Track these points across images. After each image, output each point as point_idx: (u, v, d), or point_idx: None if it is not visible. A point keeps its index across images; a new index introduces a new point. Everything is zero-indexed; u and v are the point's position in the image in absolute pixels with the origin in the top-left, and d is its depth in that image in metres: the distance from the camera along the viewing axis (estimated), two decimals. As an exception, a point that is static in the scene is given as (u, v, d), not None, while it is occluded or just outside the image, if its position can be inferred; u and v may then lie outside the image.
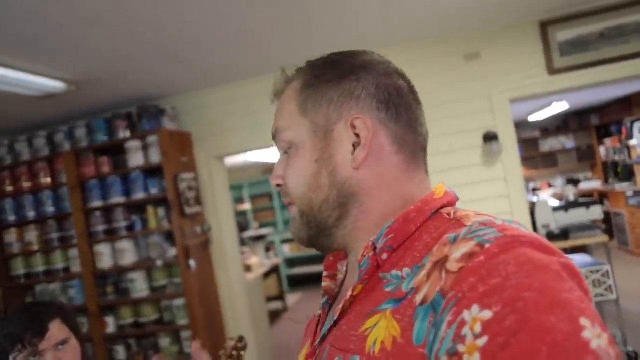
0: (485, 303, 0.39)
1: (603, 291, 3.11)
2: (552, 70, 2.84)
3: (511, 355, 0.36)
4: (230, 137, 3.33)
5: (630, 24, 2.72)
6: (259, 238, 6.25)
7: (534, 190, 7.05)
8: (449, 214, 0.55)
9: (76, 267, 3.20)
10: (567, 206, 3.64)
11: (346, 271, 0.68)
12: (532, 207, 3.51)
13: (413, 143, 0.61)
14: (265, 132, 3.23)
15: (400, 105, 0.60)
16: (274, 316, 5.81)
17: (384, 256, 0.55)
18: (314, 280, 7.44)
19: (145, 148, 3.09)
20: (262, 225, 7.74)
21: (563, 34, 2.81)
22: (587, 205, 3.58)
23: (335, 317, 0.58)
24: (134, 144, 3.08)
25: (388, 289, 0.52)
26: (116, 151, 3.18)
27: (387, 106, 0.59)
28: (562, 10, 2.81)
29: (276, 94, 0.67)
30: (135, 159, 3.09)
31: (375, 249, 0.55)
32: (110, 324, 3.14)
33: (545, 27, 2.84)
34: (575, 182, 7.29)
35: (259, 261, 5.43)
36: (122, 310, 3.16)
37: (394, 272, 0.53)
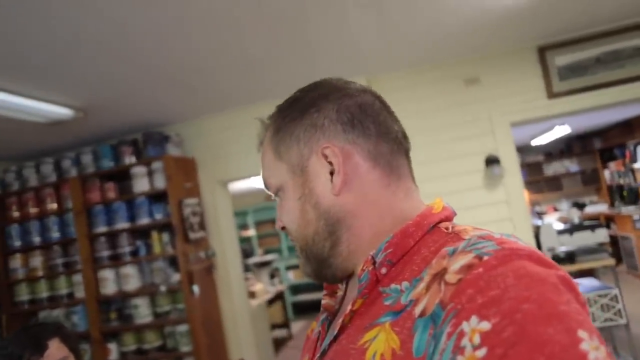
0: (484, 314, 0.40)
1: (612, 315, 3.06)
2: (552, 94, 2.88)
3: None
4: (233, 163, 3.37)
5: (625, 49, 2.78)
6: (264, 264, 6.22)
7: (539, 214, 7.01)
8: (447, 228, 0.56)
9: (80, 293, 3.19)
10: (572, 229, 3.62)
11: (346, 288, 0.69)
12: (537, 231, 3.50)
13: (388, 152, 0.62)
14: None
15: (365, 120, 0.61)
16: (279, 344, 5.72)
17: (383, 270, 0.55)
18: (319, 307, 7.32)
19: (150, 174, 3.13)
20: (266, 252, 7.70)
21: (561, 59, 2.87)
22: (592, 228, 3.56)
23: (335, 332, 0.58)
24: (139, 170, 3.13)
25: (387, 302, 0.52)
26: (122, 177, 3.22)
27: (351, 125, 0.60)
28: (559, 35, 2.87)
29: (260, 144, 0.70)
30: (141, 185, 3.12)
31: (374, 263, 0.56)
32: (113, 351, 3.12)
33: (543, 52, 2.90)
34: (580, 206, 7.25)
35: (264, 288, 5.38)
36: (125, 337, 3.13)
37: (393, 285, 0.53)
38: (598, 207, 7.00)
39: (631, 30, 2.78)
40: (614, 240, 6.11)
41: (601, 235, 3.54)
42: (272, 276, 6.32)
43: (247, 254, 6.28)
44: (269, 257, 6.79)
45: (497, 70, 2.99)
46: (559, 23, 2.68)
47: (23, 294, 3.30)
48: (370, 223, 0.60)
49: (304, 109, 0.63)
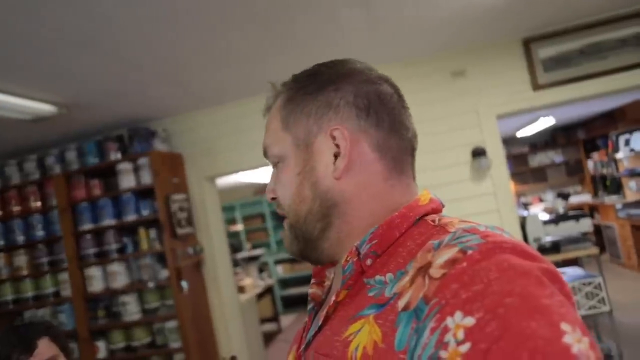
0: (468, 309, 0.40)
1: (596, 303, 3.12)
2: (537, 86, 2.91)
3: None
4: (221, 158, 3.35)
5: (607, 41, 2.82)
6: (252, 259, 6.21)
7: (525, 205, 7.10)
8: (433, 221, 0.55)
9: (66, 291, 3.15)
10: (557, 219, 3.68)
11: (333, 277, 0.69)
12: (523, 221, 3.54)
13: (396, 148, 0.61)
14: (256, 153, 3.26)
15: (381, 111, 0.60)
16: (268, 338, 5.74)
17: (368, 262, 0.55)
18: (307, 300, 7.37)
19: (136, 170, 3.09)
20: (255, 246, 7.69)
21: (545, 51, 2.89)
22: (577, 218, 3.62)
23: (320, 323, 0.58)
24: (125, 166, 3.09)
25: (371, 294, 0.52)
26: (107, 173, 3.18)
27: (366, 113, 0.59)
28: (543, 28, 2.89)
29: (266, 110, 0.68)
30: (127, 181, 3.09)
31: (359, 254, 0.56)
32: (102, 349, 3.09)
33: (528, 44, 2.92)
34: (565, 196, 7.36)
35: (253, 282, 5.38)
36: (113, 335, 3.11)
37: (377, 277, 0.53)
38: (582, 197, 7.12)
39: (613, 22, 2.82)
40: (597, 230, 6.23)
41: (585, 224, 3.60)
42: (261, 270, 6.32)
43: (235, 248, 6.26)
44: (257, 251, 6.78)
45: (483, 63, 3.01)
46: (543, 15, 2.70)
47: (7, 293, 3.24)
48: (364, 213, 0.59)
49: (321, 85, 0.61)
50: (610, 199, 6.05)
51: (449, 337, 0.39)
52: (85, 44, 1.96)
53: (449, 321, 0.40)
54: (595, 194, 7.17)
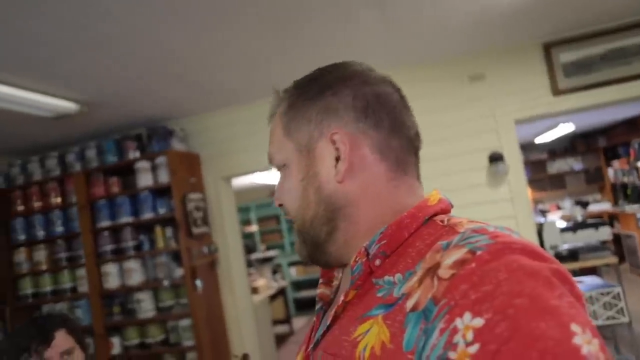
0: (477, 310, 0.39)
1: (615, 314, 3.05)
2: (557, 91, 2.87)
3: None
4: (237, 158, 3.38)
5: (631, 46, 2.76)
6: (266, 260, 6.24)
7: (543, 212, 7.00)
8: (442, 221, 0.55)
9: (83, 287, 3.21)
10: (575, 227, 3.61)
11: (341, 277, 0.69)
12: (540, 228, 3.49)
13: (398, 148, 0.61)
14: (272, 153, 3.28)
15: (380, 111, 0.60)
16: (280, 340, 5.74)
17: (377, 262, 0.55)
18: (320, 303, 7.35)
19: (154, 169, 3.14)
20: (269, 248, 7.72)
21: (566, 56, 2.85)
22: (596, 226, 3.55)
23: (328, 323, 0.58)
24: (143, 165, 3.13)
25: (380, 294, 0.52)
26: (125, 172, 3.23)
27: (365, 114, 0.59)
28: (564, 32, 2.85)
29: (270, 117, 0.69)
30: (144, 180, 3.13)
31: (368, 254, 0.56)
32: (116, 345, 3.13)
33: (548, 48, 2.88)
34: (584, 204, 7.23)
35: (266, 283, 5.40)
36: (128, 331, 3.15)
37: (386, 277, 0.53)
38: (601, 206, 6.98)
39: (637, 27, 2.76)
40: (617, 239, 6.10)
41: (604, 233, 3.53)
42: (275, 272, 6.33)
43: (249, 249, 6.29)
44: (271, 253, 6.80)
45: (502, 67, 2.98)
46: (564, 20, 2.66)
47: (27, 287, 3.31)
48: (369, 214, 0.60)
49: (320, 90, 0.62)
50: (631, 208, 5.92)
51: (458, 338, 0.39)
52: (102, 44, 2.00)
53: (458, 322, 0.40)
54: (615, 203, 7.03)
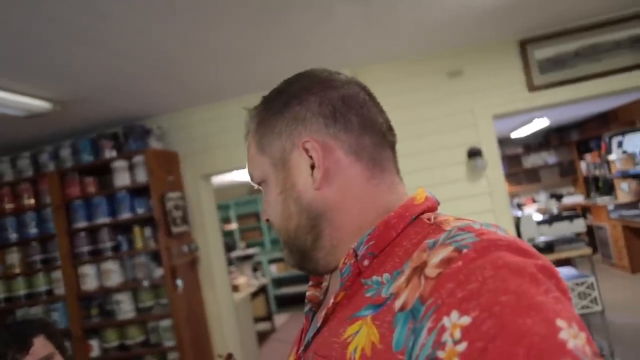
0: (464, 309, 0.40)
1: (588, 303, 3.15)
2: (532, 87, 2.92)
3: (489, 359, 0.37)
4: (216, 156, 3.34)
5: (602, 43, 2.84)
6: (246, 258, 6.20)
7: (519, 205, 7.15)
8: (429, 219, 0.56)
9: (60, 290, 3.13)
10: (551, 220, 3.70)
11: (330, 278, 0.69)
12: (517, 222, 3.56)
13: (371, 146, 0.61)
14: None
15: (347, 113, 0.60)
16: (262, 337, 5.73)
17: (366, 262, 0.55)
18: (302, 300, 7.32)
19: (131, 168, 3.08)
20: (249, 245, 7.68)
21: (541, 52, 2.91)
22: (570, 218, 3.64)
23: (318, 324, 0.58)
24: (120, 164, 3.07)
25: (368, 295, 0.52)
26: (102, 171, 3.16)
27: (333, 119, 0.60)
28: (539, 29, 2.91)
29: (245, 135, 0.69)
30: (122, 179, 3.07)
31: (356, 255, 0.56)
32: (95, 348, 3.07)
33: (524, 45, 2.94)
34: (558, 197, 7.41)
35: (247, 281, 5.37)
36: (107, 333, 3.09)
37: (374, 277, 0.53)
38: (575, 198, 7.17)
39: (608, 24, 2.84)
40: (589, 230, 6.28)
41: (579, 225, 3.62)
42: (255, 269, 6.31)
43: (229, 247, 6.24)
44: (251, 250, 6.77)
45: (480, 64, 3.02)
46: (539, 17, 2.72)
47: (-1, 291, 3.22)
48: (353, 216, 0.60)
49: (286, 102, 0.62)
50: (602, 200, 6.10)
51: (446, 336, 0.40)
52: (81, 38, 1.94)
53: (445, 321, 0.40)
54: (587, 195, 7.23)
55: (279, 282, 7.77)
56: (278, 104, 0.62)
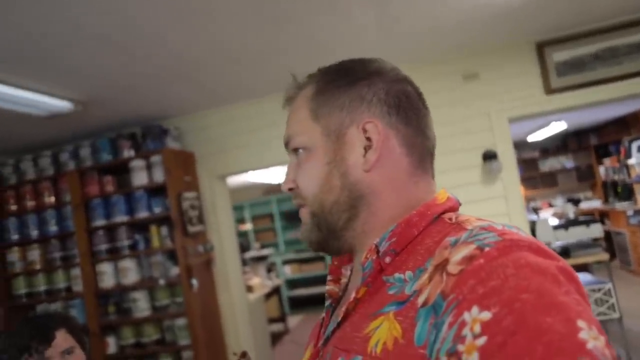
0: (485, 304, 0.40)
1: (605, 310, 3.10)
2: (549, 90, 2.90)
3: (508, 354, 0.37)
4: (232, 157, 3.38)
5: (622, 46, 2.80)
6: (261, 259, 6.24)
7: (535, 209, 7.06)
8: (450, 219, 0.56)
9: (78, 287, 3.19)
10: (568, 224, 3.66)
11: (350, 275, 0.70)
12: (533, 226, 3.53)
13: (421, 146, 0.63)
14: (267, 152, 3.28)
15: (409, 110, 0.62)
16: (275, 338, 5.75)
17: (387, 259, 0.56)
18: (315, 301, 7.39)
19: (149, 167, 3.13)
20: (263, 246, 7.72)
21: (559, 55, 2.88)
22: (587, 223, 3.59)
23: (339, 319, 0.59)
24: (137, 163, 3.12)
25: (391, 292, 0.53)
26: (120, 170, 3.22)
27: (397, 110, 0.61)
28: (557, 31, 2.88)
29: (287, 100, 0.69)
30: (139, 178, 3.12)
31: (378, 251, 0.57)
32: (111, 345, 3.12)
33: (541, 47, 2.91)
34: (575, 202, 7.30)
35: (261, 282, 5.40)
36: (123, 330, 3.14)
37: (396, 275, 0.54)
38: (592, 203, 7.06)
39: (628, 26, 2.80)
40: (607, 236, 6.17)
41: (596, 230, 3.57)
42: (269, 270, 6.34)
43: (244, 248, 6.29)
44: (265, 251, 6.80)
45: (496, 66, 3.00)
46: (557, 19, 2.69)
47: (21, 287, 3.29)
48: (389, 207, 0.61)
49: (354, 80, 0.62)
50: (621, 205, 6.00)
51: (466, 331, 0.40)
52: (103, 41, 1.99)
53: (465, 316, 0.41)
54: (606, 200, 7.11)
55: (292, 284, 7.79)
56: (344, 79, 0.63)
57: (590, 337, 0.37)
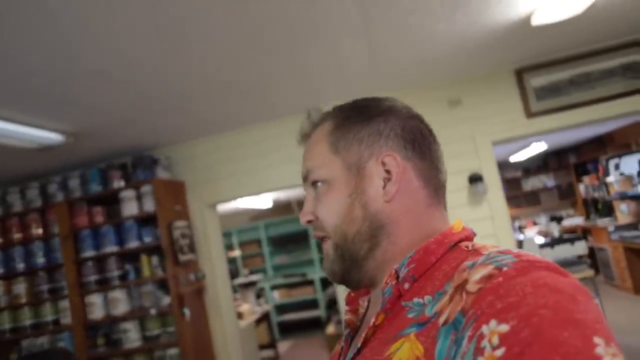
0: (503, 318, 0.42)
1: (594, 326, 3.16)
2: (530, 114, 3.01)
3: None
4: (222, 185, 3.40)
5: (594, 71, 2.94)
6: (249, 285, 6.19)
7: (520, 228, 7.18)
8: (467, 247, 0.58)
9: (66, 319, 3.14)
10: (553, 242, 3.74)
11: (367, 306, 0.72)
12: (520, 245, 3.60)
13: (435, 179, 0.67)
14: (255, 179, 3.32)
15: (423, 145, 0.66)
16: (266, 365, 5.67)
17: (406, 285, 0.58)
18: (304, 326, 7.32)
19: (139, 197, 3.13)
20: (251, 272, 7.66)
21: (537, 80, 3.01)
22: (572, 241, 3.69)
23: (359, 345, 0.60)
24: (128, 194, 3.12)
25: (410, 315, 0.55)
26: (110, 201, 3.21)
27: (412, 145, 0.65)
28: (535, 58, 3.02)
29: (303, 136, 0.73)
30: (130, 209, 3.12)
31: (397, 277, 0.59)
32: (101, 378, 3.06)
33: (520, 74, 3.04)
34: (558, 219, 7.46)
35: (250, 308, 5.35)
36: (113, 363, 3.08)
37: (415, 299, 0.56)
38: (575, 220, 7.21)
39: (601, 53, 2.95)
40: (591, 252, 6.29)
41: (580, 247, 3.66)
42: (258, 296, 6.28)
43: (232, 274, 6.23)
44: (254, 277, 6.75)
45: (479, 92, 3.11)
46: (534, 47, 2.82)
47: (5, 322, 3.22)
48: (409, 236, 0.63)
49: (371, 115, 0.67)
50: (602, 222, 6.15)
51: (484, 343, 0.42)
52: (98, 75, 2.03)
53: (484, 328, 0.43)
54: (587, 217, 7.27)
55: (281, 309, 7.72)
56: (361, 114, 0.67)
57: (607, 353, 0.38)
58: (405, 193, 0.64)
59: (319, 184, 0.67)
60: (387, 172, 0.64)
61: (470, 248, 0.58)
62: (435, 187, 0.67)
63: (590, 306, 0.44)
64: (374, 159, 0.64)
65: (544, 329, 0.39)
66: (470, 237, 0.64)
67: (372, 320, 0.59)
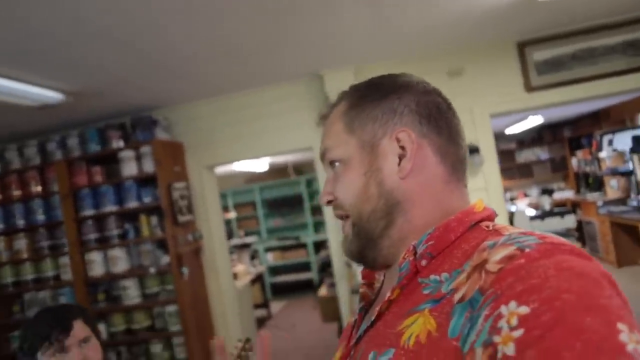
0: (523, 300, 0.41)
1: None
2: (529, 88, 3.03)
3: (545, 347, 0.37)
4: (220, 148, 3.42)
5: (598, 47, 2.94)
6: (244, 246, 6.30)
7: (511, 199, 7.30)
8: (487, 227, 0.58)
9: (67, 275, 3.21)
10: (544, 215, 3.84)
11: (383, 280, 0.72)
12: (511, 217, 3.69)
13: (454, 155, 0.65)
14: (253, 143, 3.35)
15: (440, 120, 0.64)
16: (259, 323, 5.86)
17: (423, 262, 0.57)
18: (296, 288, 7.52)
19: (138, 158, 3.15)
20: (246, 234, 7.78)
21: (539, 54, 3.01)
22: (562, 214, 3.78)
23: (372, 319, 0.60)
24: (127, 154, 3.14)
25: (426, 292, 0.54)
26: (109, 161, 3.22)
27: (428, 120, 0.63)
28: (537, 32, 3.00)
29: (321, 117, 0.73)
30: (129, 169, 3.14)
31: (415, 253, 0.58)
32: (102, 332, 3.16)
33: (522, 47, 3.03)
34: (549, 192, 7.58)
35: (245, 269, 5.48)
36: (113, 318, 3.18)
37: (432, 276, 0.55)
38: (565, 194, 7.33)
39: (604, 29, 2.94)
40: (579, 225, 6.45)
41: (570, 221, 3.77)
42: (252, 258, 6.41)
43: (228, 236, 6.34)
44: (249, 239, 6.87)
45: (479, 64, 3.11)
46: (537, 20, 2.80)
47: (7, 276, 3.29)
48: (425, 213, 0.62)
49: (385, 93, 0.66)
50: (592, 196, 6.26)
51: (502, 323, 0.41)
52: (101, 35, 2.01)
53: (502, 309, 0.42)
54: (578, 191, 7.40)
55: (274, 271, 7.90)
56: (376, 93, 0.66)
57: (631, 340, 0.37)
58: (421, 169, 0.63)
59: (337, 164, 0.67)
60: (402, 148, 0.63)
61: (490, 228, 0.57)
62: (454, 163, 0.65)
63: (615, 292, 0.43)
64: (388, 136, 0.64)
65: (567, 313, 0.39)
66: (491, 217, 0.62)
67: (388, 294, 0.59)
